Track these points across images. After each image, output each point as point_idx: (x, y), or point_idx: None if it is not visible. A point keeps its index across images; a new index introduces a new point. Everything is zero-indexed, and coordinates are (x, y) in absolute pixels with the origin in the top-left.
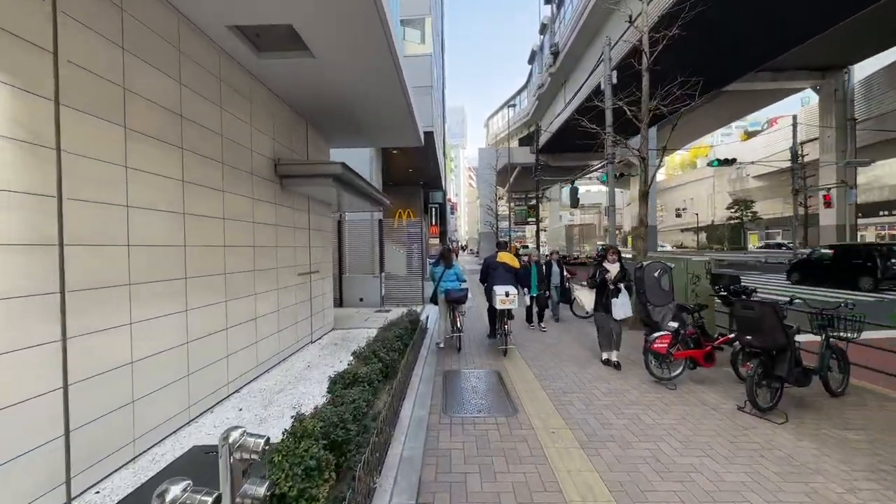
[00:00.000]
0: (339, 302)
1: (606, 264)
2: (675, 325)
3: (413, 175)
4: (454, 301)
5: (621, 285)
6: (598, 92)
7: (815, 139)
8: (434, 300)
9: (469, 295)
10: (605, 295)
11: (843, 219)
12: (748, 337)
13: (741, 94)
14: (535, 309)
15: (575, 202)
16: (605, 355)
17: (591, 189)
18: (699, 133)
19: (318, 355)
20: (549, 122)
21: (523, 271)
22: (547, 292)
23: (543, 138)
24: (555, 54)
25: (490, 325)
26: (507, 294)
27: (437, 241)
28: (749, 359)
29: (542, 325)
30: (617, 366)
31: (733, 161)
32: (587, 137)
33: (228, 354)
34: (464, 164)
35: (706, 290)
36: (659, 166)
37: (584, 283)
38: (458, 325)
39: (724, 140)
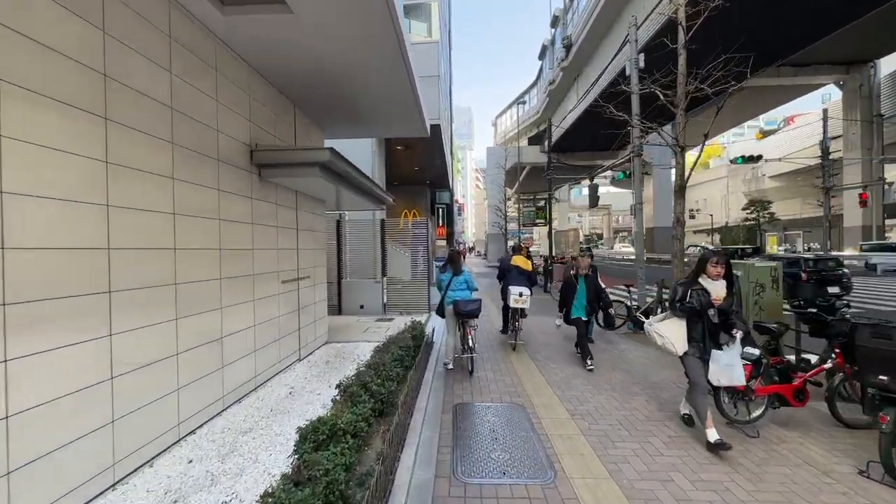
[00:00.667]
0: (338, 309)
1: (706, 280)
2: (755, 352)
3: (419, 174)
4: (465, 315)
5: (733, 319)
6: (617, 81)
7: (838, 136)
8: (441, 312)
9: (482, 306)
10: (703, 330)
11: (871, 219)
12: (883, 378)
13: (762, 91)
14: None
15: (594, 201)
16: (686, 410)
17: (600, 191)
18: (714, 131)
19: (305, 377)
20: (559, 119)
21: (536, 275)
22: (593, 315)
23: (555, 135)
24: (567, 47)
25: (503, 321)
26: (520, 294)
27: (443, 242)
28: (882, 407)
29: (590, 362)
30: (720, 445)
31: (759, 158)
32: (599, 135)
33: (179, 387)
34: (471, 165)
35: (775, 304)
36: (698, 158)
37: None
38: (470, 343)
39: (735, 140)
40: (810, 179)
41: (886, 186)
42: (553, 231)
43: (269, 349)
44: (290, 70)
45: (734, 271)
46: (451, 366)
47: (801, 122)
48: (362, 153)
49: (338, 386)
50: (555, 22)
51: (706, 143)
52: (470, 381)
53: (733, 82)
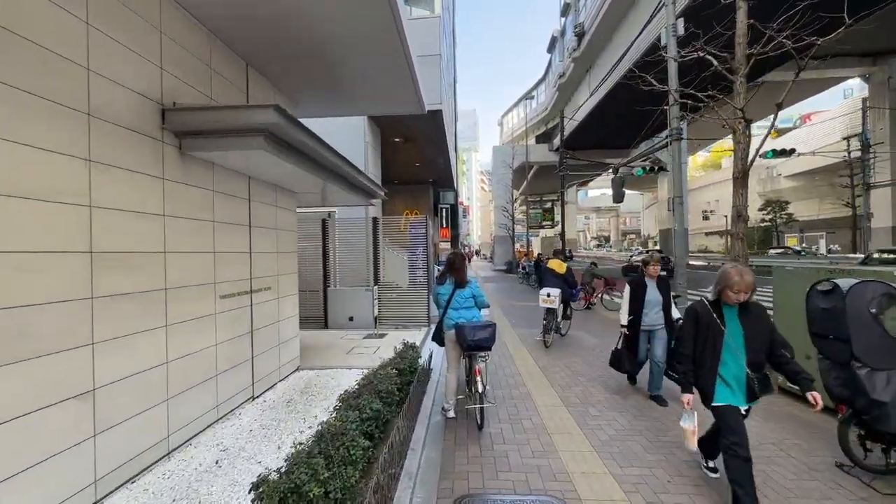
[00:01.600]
0: (324, 322)
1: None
2: None
3: (421, 172)
4: (471, 347)
5: None
6: (642, 63)
7: (856, 135)
8: (439, 339)
9: (496, 332)
10: None
11: None
12: None
13: (783, 85)
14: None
15: (619, 196)
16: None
17: (607, 192)
18: (722, 130)
19: (250, 430)
20: (570, 114)
21: (572, 278)
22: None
23: (566, 129)
24: (579, 35)
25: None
26: (548, 295)
27: (447, 244)
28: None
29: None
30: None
31: (791, 151)
32: (612, 131)
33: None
34: (476, 168)
35: None
36: (768, 137)
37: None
38: (479, 386)
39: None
40: (829, 178)
41: None
42: (542, 237)
43: (196, 394)
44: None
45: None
46: (451, 413)
47: (817, 119)
48: (353, 142)
49: (256, 487)
50: (565, 10)
51: (778, 113)
52: (479, 441)
53: (817, 38)
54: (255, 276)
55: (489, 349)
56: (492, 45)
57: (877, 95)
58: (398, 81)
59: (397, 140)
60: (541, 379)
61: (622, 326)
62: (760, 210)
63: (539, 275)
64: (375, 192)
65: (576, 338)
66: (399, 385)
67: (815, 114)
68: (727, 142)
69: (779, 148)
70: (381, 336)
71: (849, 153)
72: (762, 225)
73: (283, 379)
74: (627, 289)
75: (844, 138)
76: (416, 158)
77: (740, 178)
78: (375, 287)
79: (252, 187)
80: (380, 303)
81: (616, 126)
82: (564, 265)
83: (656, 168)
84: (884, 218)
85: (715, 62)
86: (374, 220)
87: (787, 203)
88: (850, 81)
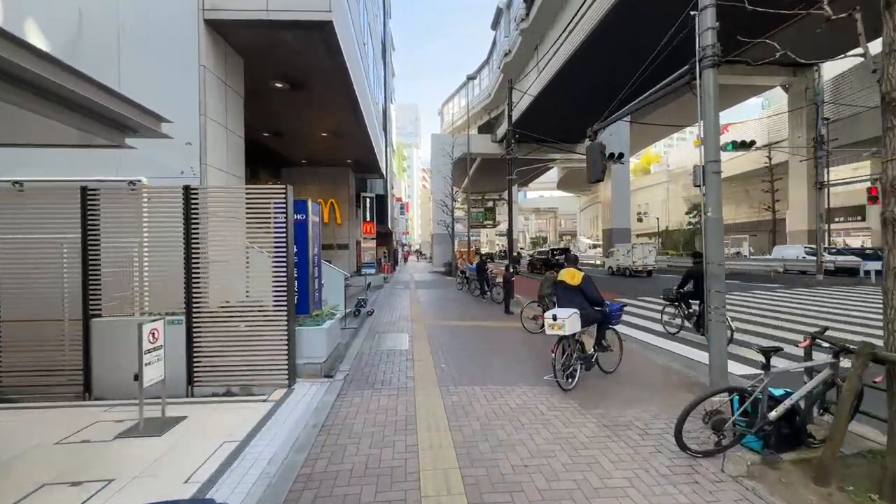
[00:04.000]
0: (84, 385)
1: None
2: None
3: (336, 148)
4: None
5: None
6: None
7: (780, 141)
8: None
9: None
10: None
11: (814, 223)
12: None
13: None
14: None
15: (600, 171)
16: None
17: (545, 195)
18: (652, 139)
19: None
20: (516, 100)
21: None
22: None
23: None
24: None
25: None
26: (553, 318)
27: (371, 243)
28: None
29: None
30: None
31: (752, 144)
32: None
33: None
34: (417, 164)
35: None
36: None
37: None
38: None
39: (666, 150)
40: (744, 185)
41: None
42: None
43: None
44: None
45: None
46: None
47: (733, 131)
48: (178, 80)
49: None
50: None
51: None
52: None
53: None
54: None
55: None
56: (436, 40)
57: (795, 104)
58: None
59: (279, 85)
60: None
61: None
62: (688, 213)
63: (481, 280)
64: (130, 119)
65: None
66: None
67: (730, 125)
68: (653, 147)
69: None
70: (167, 428)
71: (770, 159)
72: (689, 227)
73: None
74: None
75: (765, 145)
76: (319, 123)
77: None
78: (191, 315)
79: None
80: (199, 346)
81: (566, 115)
82: (580, 274)
83: (616, 156)
84: (798, 221)
85: None
86: (186, 189)
87: None
88: (763, 95)
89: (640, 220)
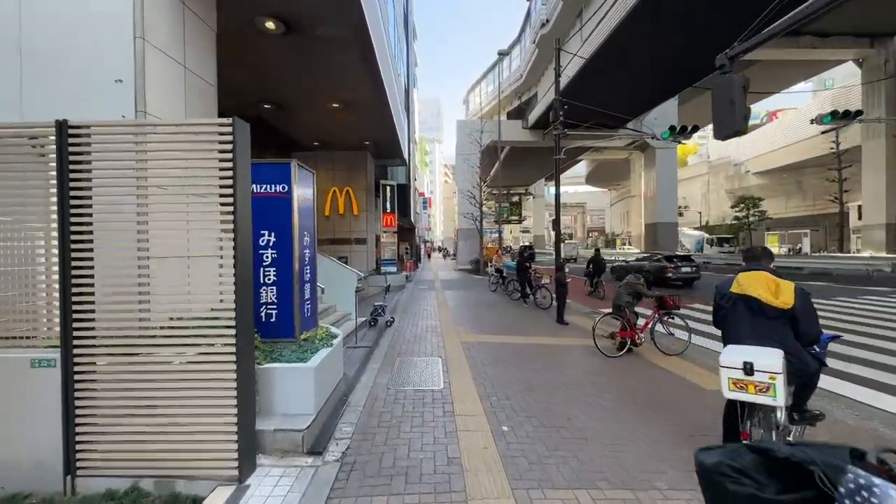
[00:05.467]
0: None
1: None
2: None
3: (352, 129)
4: None
5: None
6: None
7: (857, 117)
8: None
9: None
10: None
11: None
12: None
13: (773, 65)
14: None
15: (740, 121)
16: None
17: (569, 190)
18: (707, 117)
19: None
20: (549, 84)
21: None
22: None
23: (543, 103)
24: None
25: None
26: (746, 367)
27: (393, 237)
28: None
29: None
30: None
31: (858, 113)
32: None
33: None
34: (440, 160)
35: None
36: None
37: None
38: None
39: (701, 141)
40: (797, 176)
41: None
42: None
43: None
44: None
45: None
46: None
47: (783, 116)
48: None
49: None
50: None
51: None
52: None
53: None
54: None
55: None
56: (460, 36)
57: (872, 79)
58: None
59: (270, 26)
60: None
61: None
62: (733, 207)
63: (521, 281)
64: None
65: None
66: None
67: (780, 111)
68: (691, 140)
69: (740, 147)
70: None
71: (837, 144)
72: (735, 222)
73: None
74: None
75: (829, 130)
76: (328, 88)
77: None
78: (76, 349)
79: None
80: (85, 404)
81: (616, 89)
82: (788, 286)
83: (689, 129)
84: (876, 214)
85: None
86: (62, 128)
87: (761, 200)
88: (829, 72)
89: (680, 214)
